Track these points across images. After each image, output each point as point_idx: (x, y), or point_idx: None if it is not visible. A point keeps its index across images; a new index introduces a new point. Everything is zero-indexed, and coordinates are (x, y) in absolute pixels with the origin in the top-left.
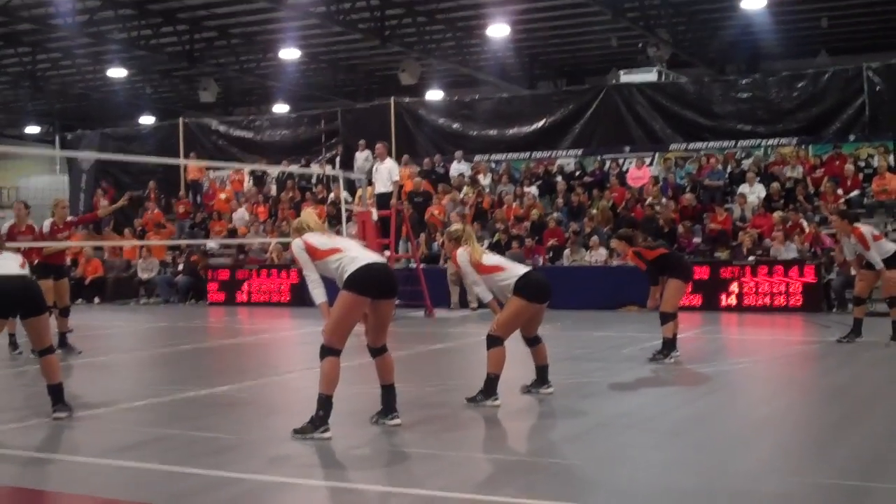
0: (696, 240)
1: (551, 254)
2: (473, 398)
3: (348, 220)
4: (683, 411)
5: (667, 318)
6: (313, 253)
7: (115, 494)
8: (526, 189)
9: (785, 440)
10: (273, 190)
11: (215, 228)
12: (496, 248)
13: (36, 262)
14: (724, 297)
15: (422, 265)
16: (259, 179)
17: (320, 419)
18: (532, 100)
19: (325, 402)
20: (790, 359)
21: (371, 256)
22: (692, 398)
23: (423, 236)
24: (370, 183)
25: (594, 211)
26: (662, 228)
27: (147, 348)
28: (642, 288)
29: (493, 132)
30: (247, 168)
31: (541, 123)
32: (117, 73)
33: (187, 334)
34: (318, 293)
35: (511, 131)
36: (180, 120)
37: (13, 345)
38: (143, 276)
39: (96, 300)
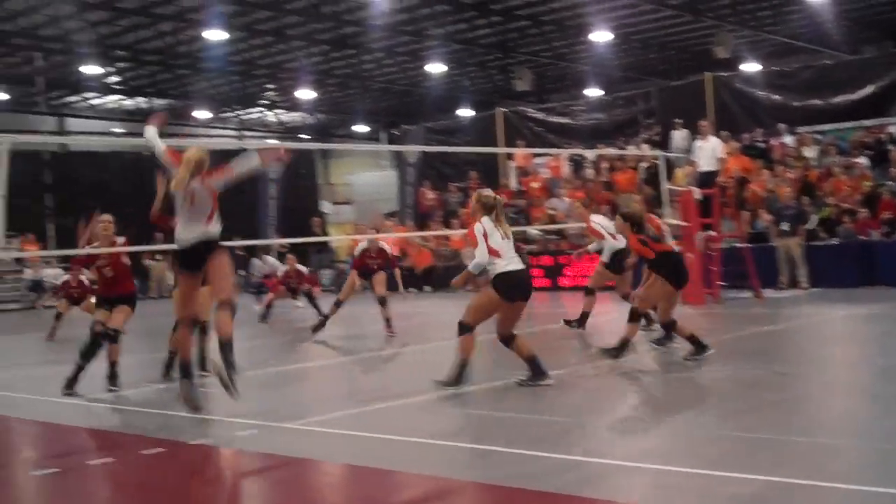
0: None
1: (887, 227)
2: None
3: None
4: None
5: None
6: None
7: (461, 475)
8: (855, 160)
9: None
10: (591, 174)
11: (535, 215)
12: (824, 223)
13: None
14: None
15: (748, 244)
16: (577, 164)
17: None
18: (858, 65)
19: None
20: None
21: None
22: None
23: (747, 214)
24: (689, 162)
25: None
26: None
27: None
28: None
29: (816, 101)
30: (564, 153)
31: (869, 89)
32: (436, 68)
33: None
34: None
35: (836, 99)
36: (497, 110)
37: None
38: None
39: (427, 289)
